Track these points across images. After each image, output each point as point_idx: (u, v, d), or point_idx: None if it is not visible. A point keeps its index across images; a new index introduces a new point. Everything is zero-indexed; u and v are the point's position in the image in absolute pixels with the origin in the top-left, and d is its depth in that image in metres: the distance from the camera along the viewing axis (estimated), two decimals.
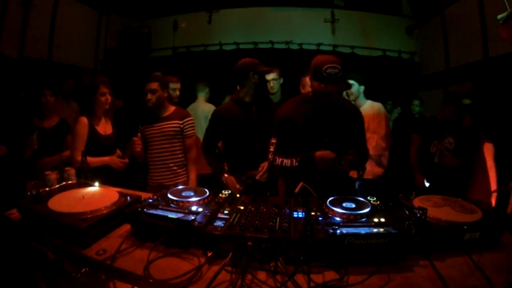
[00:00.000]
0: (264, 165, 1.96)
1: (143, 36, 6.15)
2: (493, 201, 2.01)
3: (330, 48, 5.79)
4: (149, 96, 2.28)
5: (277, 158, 1.72)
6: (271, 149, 1.78)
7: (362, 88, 2.70)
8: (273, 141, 1.78)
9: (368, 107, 2.68)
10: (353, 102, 2.71)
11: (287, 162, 1.67)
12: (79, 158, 2.08)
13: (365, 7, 5.84)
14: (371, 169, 2.65)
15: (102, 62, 5.89)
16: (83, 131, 2.17)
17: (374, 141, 2.55)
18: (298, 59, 5.56)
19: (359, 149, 1.80)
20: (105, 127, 2.33)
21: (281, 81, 2.86)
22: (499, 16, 1.48)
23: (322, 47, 5.78)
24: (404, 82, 5.56)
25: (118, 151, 2.34)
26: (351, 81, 2.62)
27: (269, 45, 5.77)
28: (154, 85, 2.29)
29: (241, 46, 5.81)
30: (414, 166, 2.91)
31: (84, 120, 2.20)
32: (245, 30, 5.92)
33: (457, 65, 4.65)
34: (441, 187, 2.59)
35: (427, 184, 2.81)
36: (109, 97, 2.27)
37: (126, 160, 2.32)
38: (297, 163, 1.63)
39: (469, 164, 2.66)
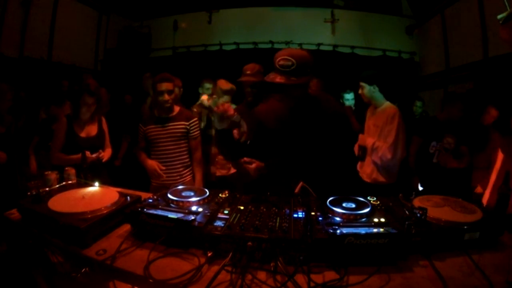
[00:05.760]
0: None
1: (143, 36, 6.15)
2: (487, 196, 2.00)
3: (330, 48, 5.80)
4: (166, 97, 2.24)
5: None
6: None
7: (373, 87, 2.48)
8: (242, 130, 1.67)
9: (384, 111, 2.49)
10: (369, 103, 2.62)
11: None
12: (55, 154, 2.16)
13: (365, 7, 5.85)
14: (376, 177, 2.52)
15: (102, 62, 5.89)
16: (60, 130, 2.19)
17: (380, 151, 2.40)
18: None
19: (338, 154, 1.71)
20: (88, 129, 2.26)
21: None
22: (499, 16, 1.48)
23: (322, 47, 5.78)
24: (404, 82, 5.56)
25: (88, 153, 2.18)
26: (360, 83, 2.51)
27: (269, 45, 5.77)
28: (170, 86, 2.25)
29: (241, 46, 5.82)
30: (412, 167, 2.86)
31: (63, 120, 2.21)
32: (245, 30, 5.92)
33: (457, 65, 4.66)
34: (439, 188, 2.56)
35: (420, 188, 2.77)
36: (92, 106, 2.22)
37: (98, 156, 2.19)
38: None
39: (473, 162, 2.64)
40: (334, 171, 1.68)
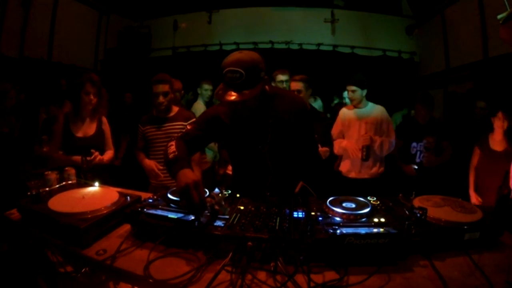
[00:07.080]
0: None
1: (143, 36, 6.16)
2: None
3: (330, 48, 5.80)
4: (161, 99, 2.22)
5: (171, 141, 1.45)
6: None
7: (364, 91, 2.65)
8: (188, 127, 1.56)
9: (375, 110, 2.68)
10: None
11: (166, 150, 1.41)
12: (54, 155, 2.16)
13: (365, 7, 5.85)
14: (376, 170, 2.68)
15: (102, 62, 5.90)
16: (57, 129, 2.18)
17: (387, 144, 2.60)
18: (298, 59, 5.56)
19: (306, 155, 1.61)
20: (85, 129, 2.22)
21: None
22: (499, 16, 1.48)
23: (322, 47, 5.79)
24: (404, 82, 5.57)
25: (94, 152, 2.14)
26: (353, 87, 2.61)
27: (269, 45, 5.78)
28: (166, 87, 2.23)
29: (241, 46, 5.81)
30: (398, 162, 2.97)
31: (60, 119, 2.19)
32: (245, 30, 5.93)
33: (457, 65, 4.66)
34: (424, 186, 2.57)
35: (415, 167, 2.87)
36: (94, 98, 2.16)
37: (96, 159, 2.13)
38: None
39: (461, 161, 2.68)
40: (314, 172, 1.63)
